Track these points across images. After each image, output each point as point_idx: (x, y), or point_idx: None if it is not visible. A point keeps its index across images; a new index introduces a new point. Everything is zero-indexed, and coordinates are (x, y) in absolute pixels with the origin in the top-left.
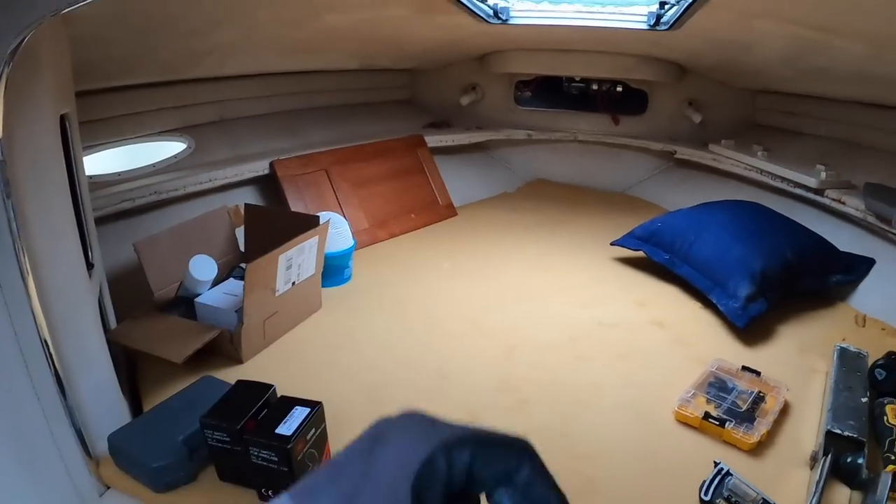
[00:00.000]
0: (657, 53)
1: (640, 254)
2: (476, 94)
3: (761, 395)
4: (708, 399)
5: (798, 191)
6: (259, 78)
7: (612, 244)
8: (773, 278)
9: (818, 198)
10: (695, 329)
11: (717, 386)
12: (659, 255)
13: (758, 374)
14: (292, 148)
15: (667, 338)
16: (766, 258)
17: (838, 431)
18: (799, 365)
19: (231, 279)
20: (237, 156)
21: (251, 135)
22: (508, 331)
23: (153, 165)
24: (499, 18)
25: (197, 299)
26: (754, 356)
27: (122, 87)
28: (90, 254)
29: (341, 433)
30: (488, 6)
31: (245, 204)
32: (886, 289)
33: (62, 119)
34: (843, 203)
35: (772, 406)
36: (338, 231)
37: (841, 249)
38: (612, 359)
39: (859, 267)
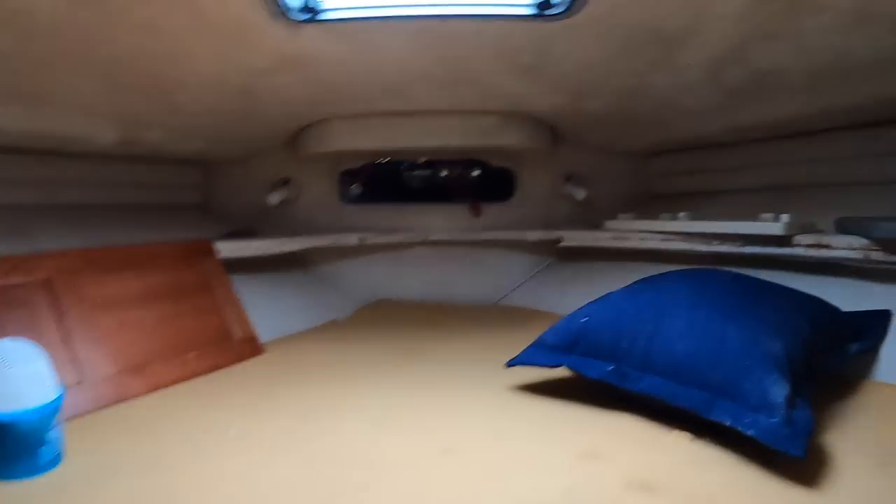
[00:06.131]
0: (527, 104)
1: (559, 373)
2: (289, 191)
3: None
4: None
5: (747, 249)
6: None
7: (508, 366)
8: (799, 364)
9: (780, 250)
10: (704, 481)
11: None
12: (596, 367)
13: None
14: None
15: None
16: (783, 335)
17: None
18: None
19: None
20: None
21: None
22: None
23: None
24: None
25: None
26: (816, 499)
27: None
28: None
29: None
30: None
31: None
32: None
33: None
34: (828, 246)
35: None
36: (23, 372)
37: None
38: None
39: (872, 325)
